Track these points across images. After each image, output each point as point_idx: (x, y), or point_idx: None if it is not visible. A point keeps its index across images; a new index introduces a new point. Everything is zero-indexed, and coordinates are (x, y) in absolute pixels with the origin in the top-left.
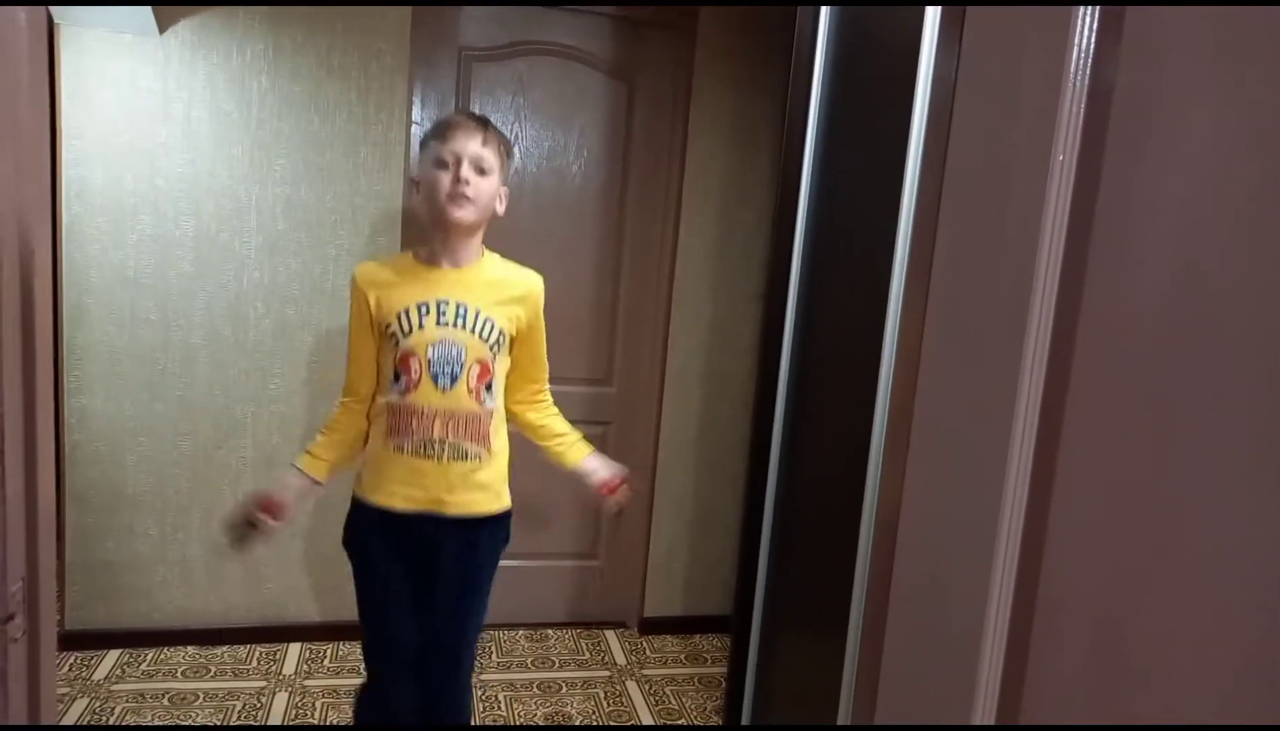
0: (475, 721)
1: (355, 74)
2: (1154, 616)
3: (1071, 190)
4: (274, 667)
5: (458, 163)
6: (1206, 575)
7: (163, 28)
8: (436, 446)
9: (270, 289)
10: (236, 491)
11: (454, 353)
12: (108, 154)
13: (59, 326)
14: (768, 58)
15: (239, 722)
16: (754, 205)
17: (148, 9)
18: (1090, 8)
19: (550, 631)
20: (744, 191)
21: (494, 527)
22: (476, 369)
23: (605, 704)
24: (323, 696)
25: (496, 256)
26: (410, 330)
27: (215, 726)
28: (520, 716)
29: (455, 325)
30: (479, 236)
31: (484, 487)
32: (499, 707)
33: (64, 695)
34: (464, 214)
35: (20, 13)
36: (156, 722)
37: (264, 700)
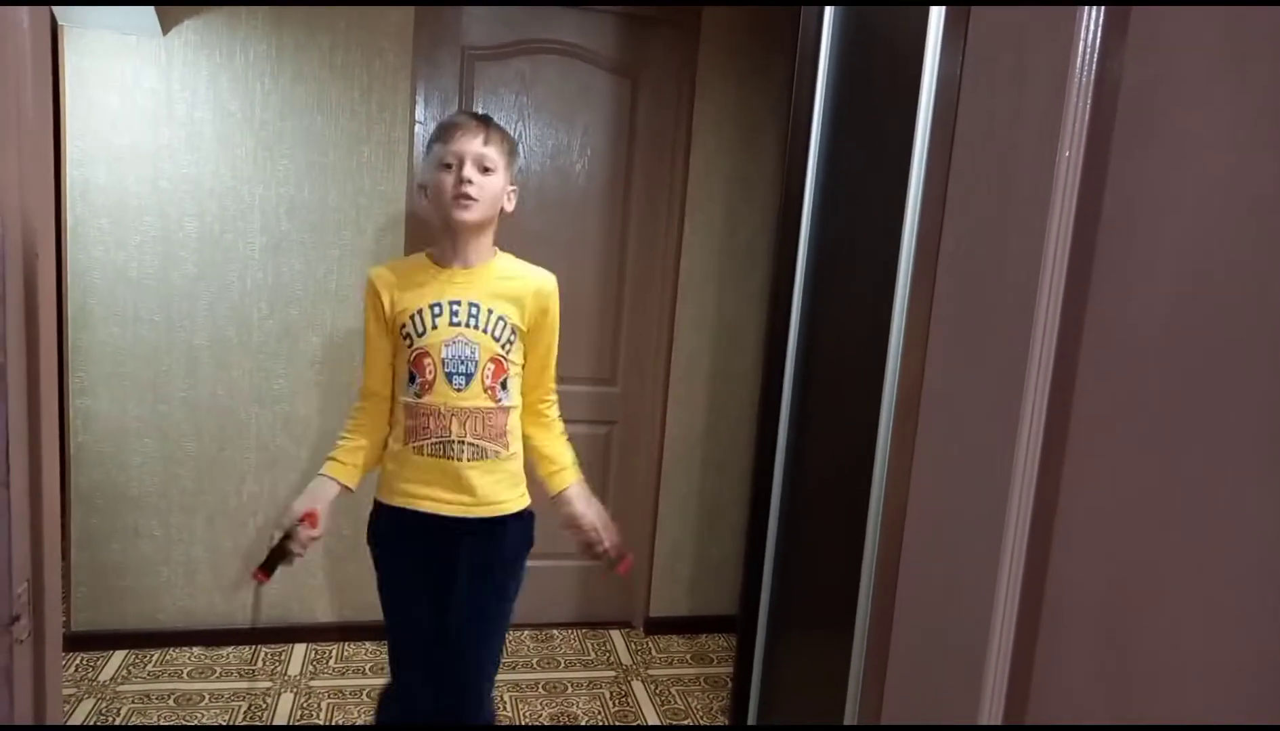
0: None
1: (358, 73)
2: (1161, 617)
3: (1078, 188)
4: (279, 668)
5: (460, 163)
6: (1214, 576)
7: (166, 29)
8: (455, 446)
9: (274, 289)
10: (241, 492)
11: (468, 352)
12: (111, 155)
13: (63, 328)
14: (772, 54)
15: (244, 724)
16: (759, 203)
17: (151, 10)
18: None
19: (555, 631)
20: (749, 189)
21: (517, 528)
22: (491, 367)
23: (611, 704)
24: (328, 697)
25: (509, 255)
26: (424, 331)
27: (222, 726)
28: (526, 717)
29: (468, 325)
30: (489, 235)
31: (504, 485)
32: (504, 708)
33: (70, 696)
34: (469, 214)
35: (23, 14)
36: (162, 724)
37: (269, 701)
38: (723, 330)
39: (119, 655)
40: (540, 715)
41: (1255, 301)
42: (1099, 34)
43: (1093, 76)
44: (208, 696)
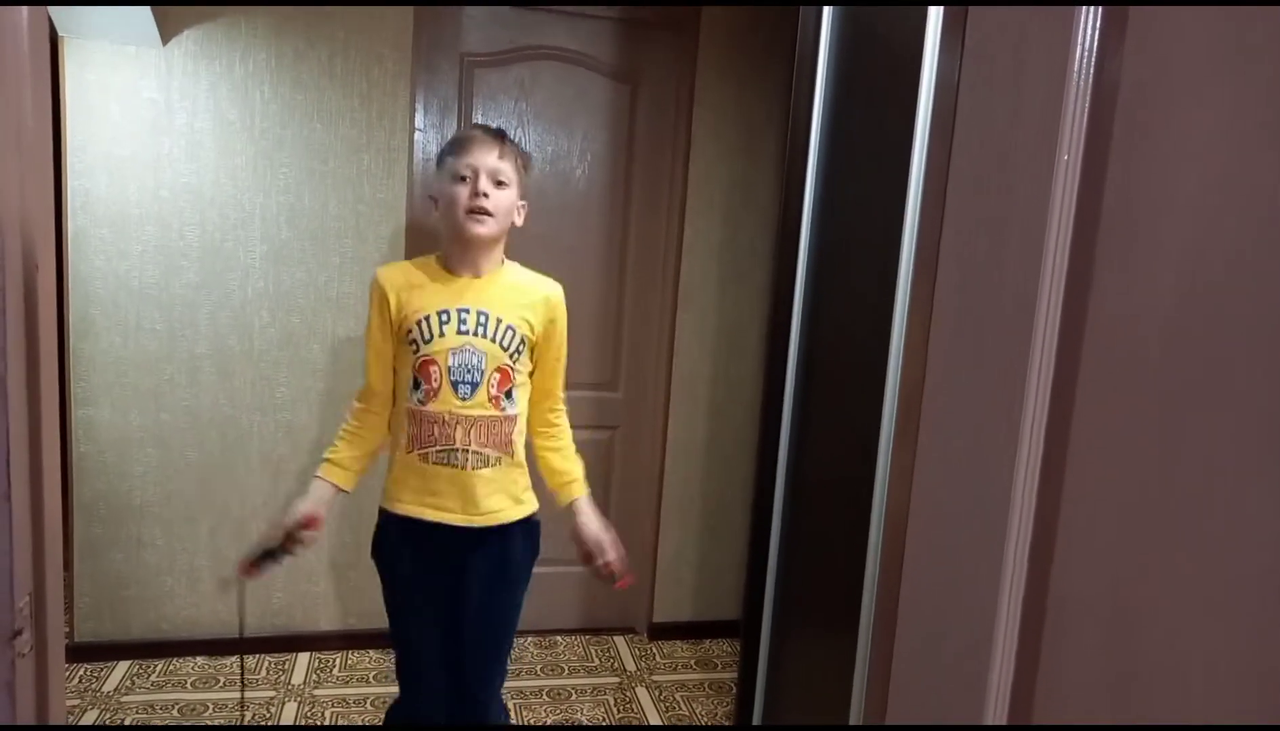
0: None
1: (357, 81)
2: (1165, 618)
3: (1077, 188)
4: (283, 677)
5: (475, 176)
6: (1217, 577)
7: (165, 38)
8: (459, 454)
9: (275, 298)
10: (243, 501)
11: (474, 360)
12: (112, 165)
13: (64, 337)
14: (771, 59)
15: (247, 724)
16: (759, 206)
17: (150, 20)
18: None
19: (559, 638)
20: (748, 193)
21: (523, 536)
22: (497, 376)
23: (615, 710)
24: (332, 705)
25: (517, 264)
26: (430, 337)
27: (223, 726)
28: (530, 723)
29: (475, 333)
30: (500, 248)
31: (509, 493)
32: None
33: (74, 707)
34: (483, 228)
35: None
36: (164, 724)
37: (273, 710)
38: (724, 334)
39: (123, 665)
40: (544, 722)
41: (1255, 300)
42: (1097, 35)
43: (1091, 77)
44: (212, 706)
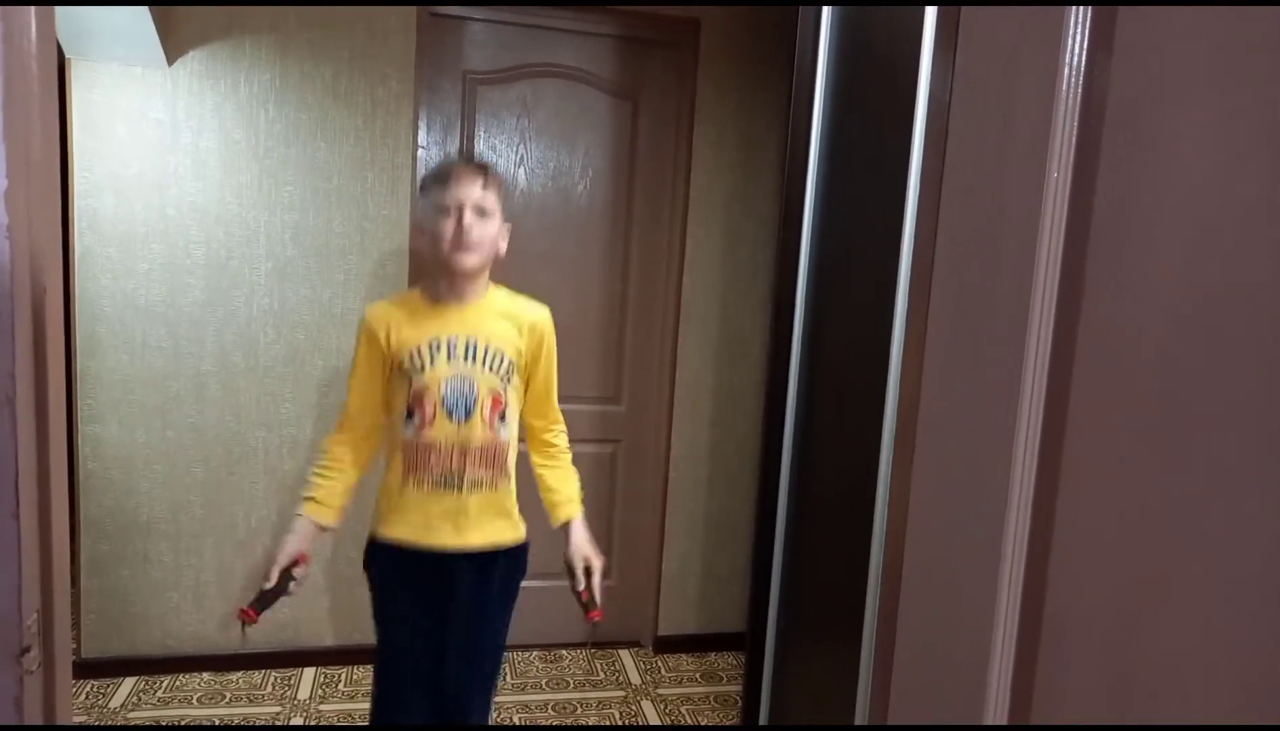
0: None
1: (361, 100)
2: (1162, 624)
3: (1068, 200)
4: (289, 692)
5: (460, 210)
6: (1215, 583)
7: (171, 59)
8: (455, 479)
9: (280, 315)
10: (250, 516)
11: (467, 388)
12: (118, 184)
13: (72, 355)
14: (770, 73)
15: (246, 724)
16: (760, 219)
17: (156, 42)
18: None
19: (564, 652)
20: (749, 205)
21: (512, 560)
22: (489, 401)
23: (621, 724)
24: (337, 721)
25: (503, 289)
26: (423, 368)
27: (223, 726)
28: None
29: (466, 360)
30: (485, 276)
31: (503, 516)
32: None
33: (81, 724)
34: (470, 260)
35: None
36: (164, 723)
37: (279, 725)
38: (726, 346)
39: (129, 682)
40: None
41: (1248, 311)
42: (1085, 46)
43: (1080, 88)
44: (218, 721)
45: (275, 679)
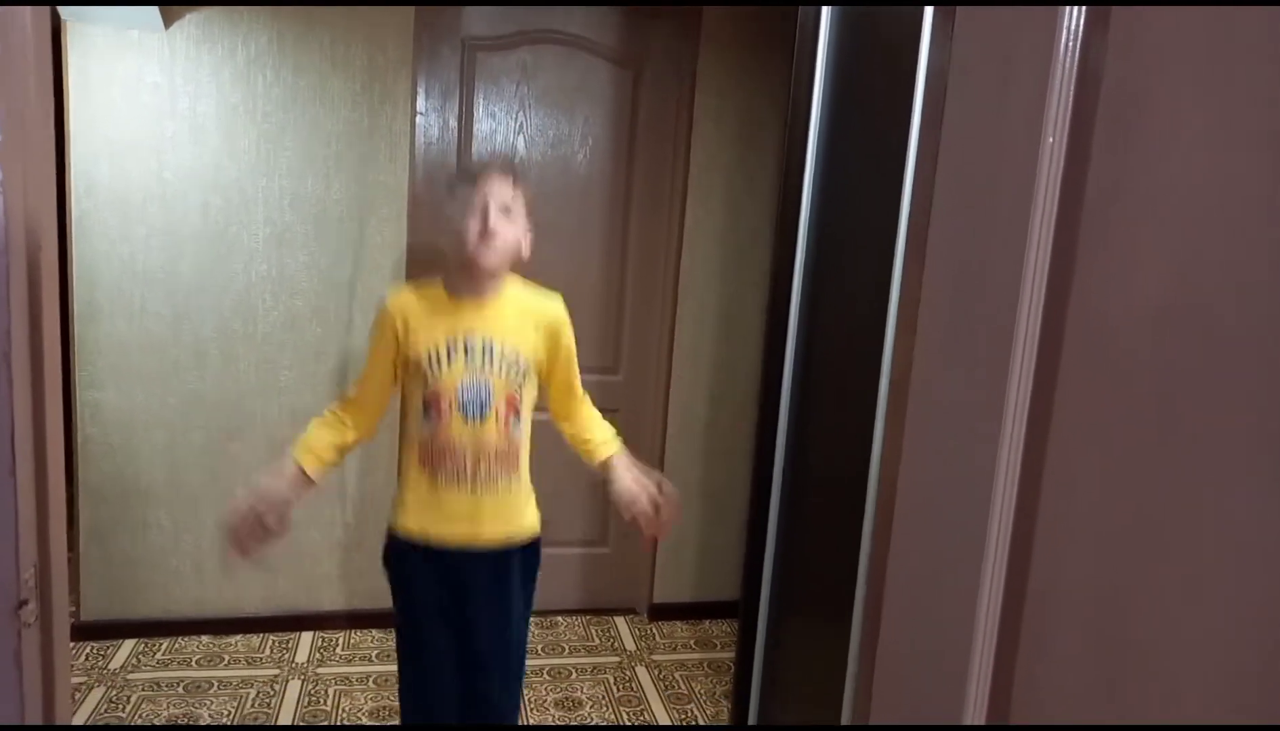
0: None
1: (359, 66)
2: (1148, 608)
3: (1060, 181)
4: (287, 655)
5: (486, 208)
6: (1199, 562)
7: (168, 23)
8: (469, 478)
9: (279, 281)
10: (249, 483)
11: (483, 390)
12: (115, 149)
13: (70, 321)
14: (772, 44)
15: (253, 710)
16: (760, 192)
17: (153, 8)
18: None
19: (560, 618)
20: (749, 177)
21: (528, 555)
22: (504, 403)
23: (615, 689)
24: (335, 684)
25: (519, 283)
26: (440, 368)
27: (223, 726)
28: (531, 702)
29: (483, 363)
30: (504, 274)
31: (517, 513)
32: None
33: (81, 684)
34: (493, 260)
35: (26, 12)
36: (172, 709)
37: (277, 688)
38: (725, 318)
39: (129, 644)
40: (545, 700)
41: (1238, 290)
42: (1081, 29)
43: (1075, 65)
44: (216, 684)
45: (273, 642)
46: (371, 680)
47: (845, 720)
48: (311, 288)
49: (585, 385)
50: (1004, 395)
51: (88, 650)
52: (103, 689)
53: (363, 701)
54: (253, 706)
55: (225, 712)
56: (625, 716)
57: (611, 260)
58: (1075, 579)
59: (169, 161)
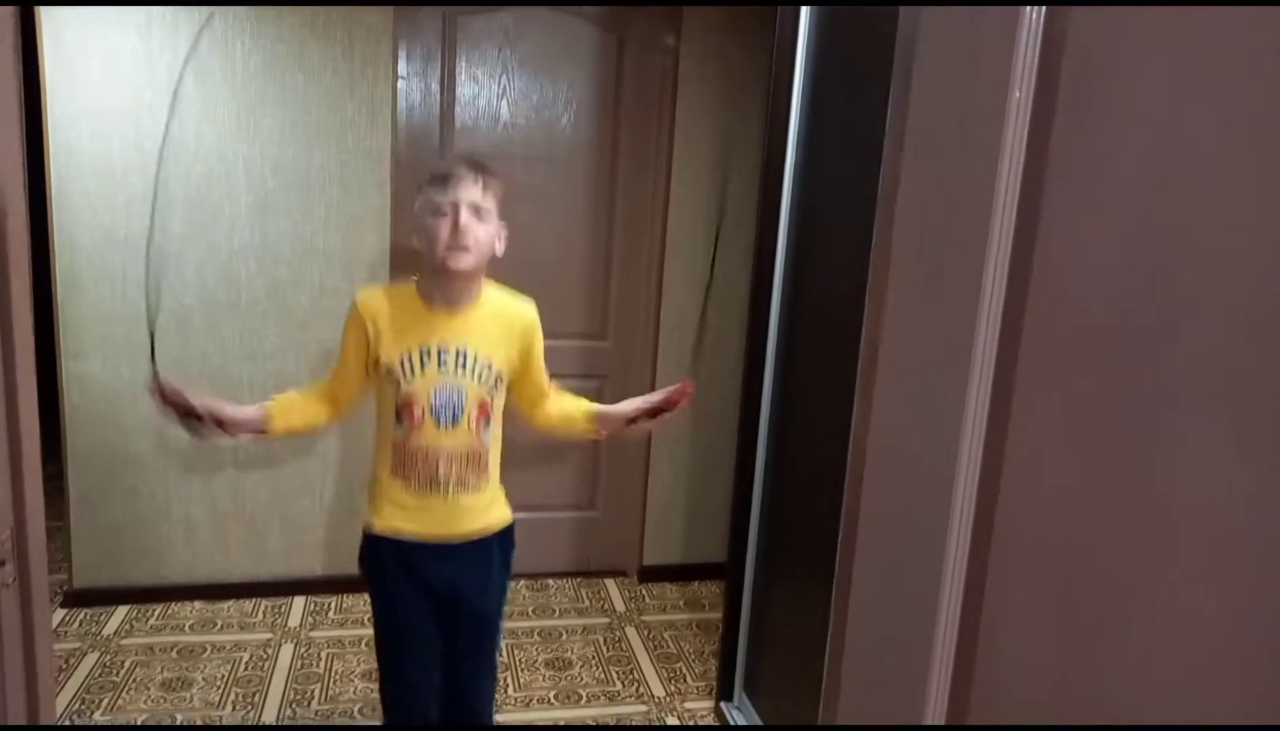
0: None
1: (340, 31)
2: (1112, 561)
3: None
4: (279, 620)
5: (456, 211)
6: (1157, 516)
7: None
8: (441, 482)
9: (261, 249)
10: (236, 450)
11: (455, 396)
12: (93, 118)
13: (53, 291)
14: (756, 10)
15: (247, 673)
16: (745, 158)
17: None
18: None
19: (550, 581)
20: (735, 145)
21: (500, 543)
22: (476, 409)
23: (605, 649)
24: (327, 647)
25: (493, 289)
26: (412, 375)
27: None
28: (521, 662)
29: (456, 371)
30: (479, 278)
31: (488, 510)
32: (500, 655)
33: (74, 650)
34: (465, 263)
35: None
36: (166, 673)
37: (270, 651)
38: (711, 284)
39: (121, 610)
40: (536, 660)
41: (1196, 244)
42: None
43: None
44: (210, 648)
45: (266, 607)
46: (364, 643)
47: (826, 677)
48: (294, 256)
49: (573, 351)
50: (970, 356)
51: (81, 616)
52: (96, 654)
53: (355, 664)
54: (246, 670)
55: (219, 676)
56: (615, 675)
57: (598, 226)
58: (1037, 531)
59: (148, 129)
